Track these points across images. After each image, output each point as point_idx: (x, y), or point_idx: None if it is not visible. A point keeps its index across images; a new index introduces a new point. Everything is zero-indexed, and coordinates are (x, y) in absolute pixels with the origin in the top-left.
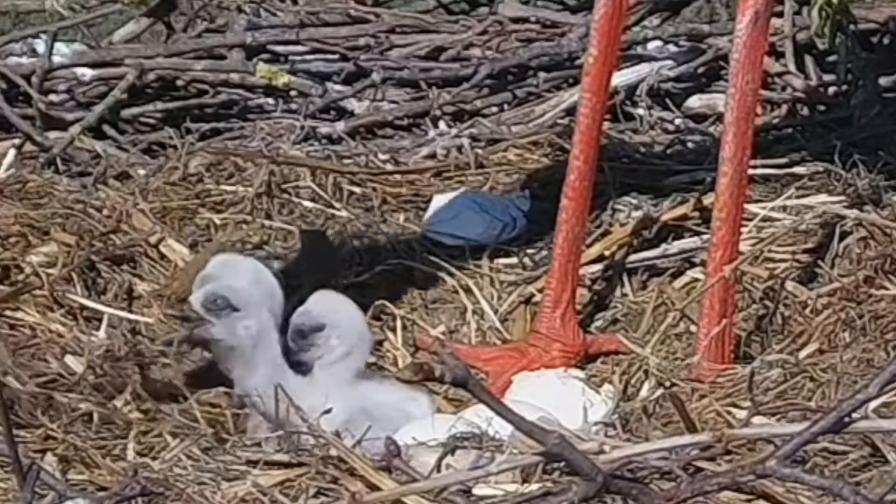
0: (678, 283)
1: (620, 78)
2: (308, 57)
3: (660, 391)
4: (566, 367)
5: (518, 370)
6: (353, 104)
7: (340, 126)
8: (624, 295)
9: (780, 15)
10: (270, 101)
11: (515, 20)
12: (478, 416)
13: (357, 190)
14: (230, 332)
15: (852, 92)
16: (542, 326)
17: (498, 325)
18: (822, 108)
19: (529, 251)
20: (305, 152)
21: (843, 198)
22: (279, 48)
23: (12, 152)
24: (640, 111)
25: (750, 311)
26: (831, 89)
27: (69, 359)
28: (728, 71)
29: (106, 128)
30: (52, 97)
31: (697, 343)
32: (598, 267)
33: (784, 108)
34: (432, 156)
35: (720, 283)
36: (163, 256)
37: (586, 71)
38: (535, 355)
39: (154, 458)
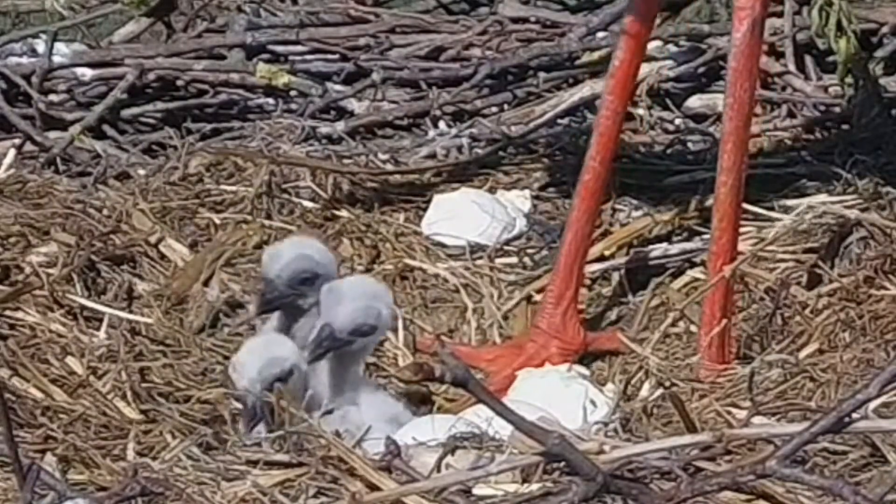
0: (678, 283)
1: None
2: (308, 57)
3: (660, 391)
4: (564, 363)
5: (517, 367)
6: (353, 104)
7: (340, 126)
8: (624, 295)
9: (780, 15)
10: (270, 101)
11: (515, 20)
12: (478, 416)
13: (357, 190)
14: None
15: (852, 92)
16: (542, 322)
17: (499, 324)
18: (822, 108)
19: (529, 251)
20: (305, 152)
21: (843, 198)
22: (279, 48)
23: (12, 152)
24: (640, 111)
25: (750, 311)
26: (831, 89)
27: (69, 359)
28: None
29: (106, 128)
30: (52, 97)
31: (699, 344)
32: (598, 267)
33: (784, 108)
34: (432, 156)
35: (721, 284)
36: (163, 256)
37: (611, 73)
38: (534, 351)
39: (154, 458)
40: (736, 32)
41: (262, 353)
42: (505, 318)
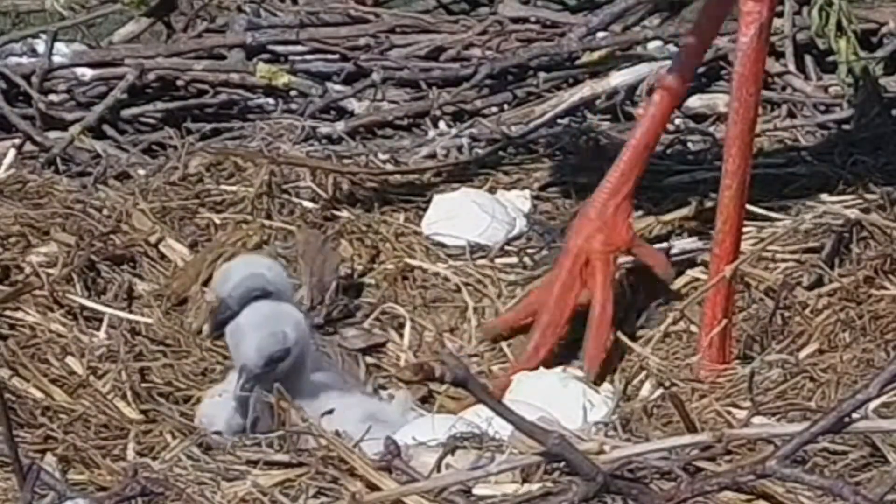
0: (678, 283)
1: (620, 78)
2: (308, 57)
3: (660, 391)
4: (605, 256)
5: (564, 268)
6: (353, 104)
7: (340, 126)
8: (624, 295)
9: (780, 15)
10: (270, 101)
11: (515, 20)
12: (478, 416)
13: (357, 190)
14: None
15: (852, 92)
16: (592, 210)
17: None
18: (822, 108)
19: (529, 251)
20: (305, 152)
21: (843, 198)
22: (279, 48)
23: (12, 152)
24: (641, 111)
25: (750, 311)
26: (831, 89)
27: (69, 359)
28: (728, 71)
29: (106, 128)
30: (52, 97)
31: (699, 344)
32: None
33: (784, 108)
34: (432, 156)
35: (721, 284)
36: (163, 256)
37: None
38: (576, 249)
39: (154, 458)
40: (742, 37)
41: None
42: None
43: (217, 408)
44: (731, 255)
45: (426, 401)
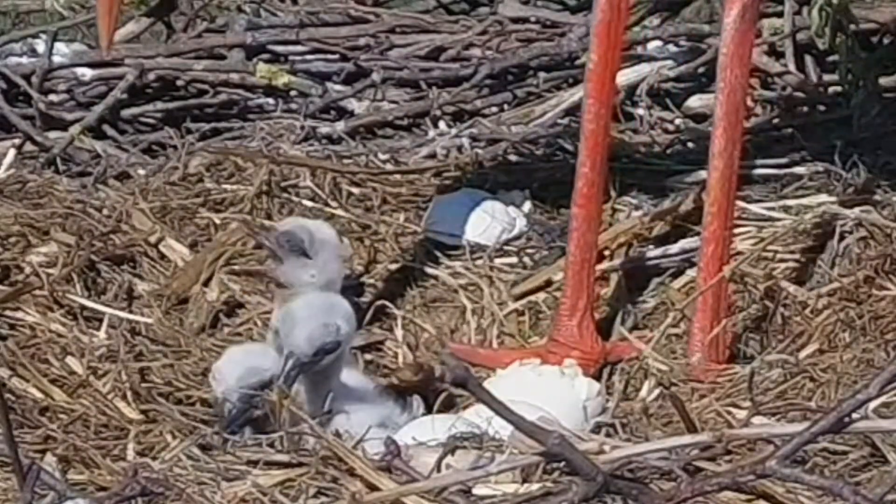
0: (678, 283)
1: (620, 78)
2: (308, 57)
3: (659, 391)
4: (585, 374)
5: None
6: (353, 104)
7: (340, 126)
8: (624, 295)
9: (780, 15)
10: (270, 101)
11: (515, 20)
12: (478, 416)
13: (357, 190)
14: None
15: (852, 92)
16: (559, 335)
17: (499, 324)
18: (822, 108)
19: (529, 251)
20: (305, 152)
21: (843, 198)
22: (279, 48)
23: (12, 152)
24: (640, 111)
25: (750, 311)
26: (831, 89)
27: (69, 359)
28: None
29: (106, 128)
30: (52, 97)
31: (691, 340)
32: (598, 267)
33: (784, 107)
34: (432, 156)
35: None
36: (163, 256)
37: (588, 77)
38: (554, 363)
39: (154, 458)
40: (726, 18)
41: (241, 361)
42: (519, 314)
43: (231, 365)
44: (718, 238)
45: None
